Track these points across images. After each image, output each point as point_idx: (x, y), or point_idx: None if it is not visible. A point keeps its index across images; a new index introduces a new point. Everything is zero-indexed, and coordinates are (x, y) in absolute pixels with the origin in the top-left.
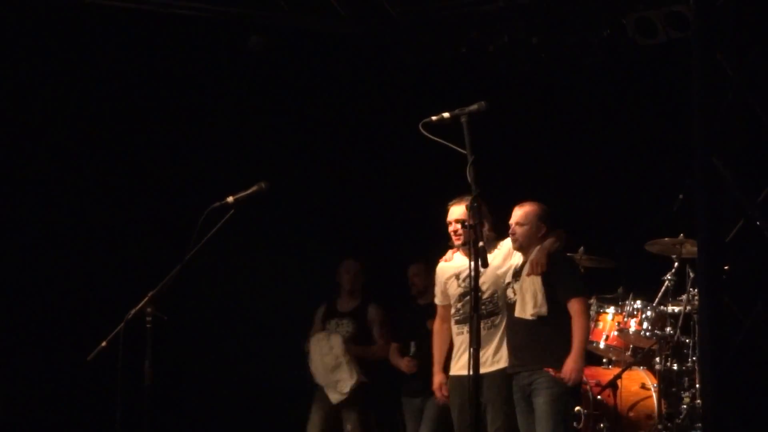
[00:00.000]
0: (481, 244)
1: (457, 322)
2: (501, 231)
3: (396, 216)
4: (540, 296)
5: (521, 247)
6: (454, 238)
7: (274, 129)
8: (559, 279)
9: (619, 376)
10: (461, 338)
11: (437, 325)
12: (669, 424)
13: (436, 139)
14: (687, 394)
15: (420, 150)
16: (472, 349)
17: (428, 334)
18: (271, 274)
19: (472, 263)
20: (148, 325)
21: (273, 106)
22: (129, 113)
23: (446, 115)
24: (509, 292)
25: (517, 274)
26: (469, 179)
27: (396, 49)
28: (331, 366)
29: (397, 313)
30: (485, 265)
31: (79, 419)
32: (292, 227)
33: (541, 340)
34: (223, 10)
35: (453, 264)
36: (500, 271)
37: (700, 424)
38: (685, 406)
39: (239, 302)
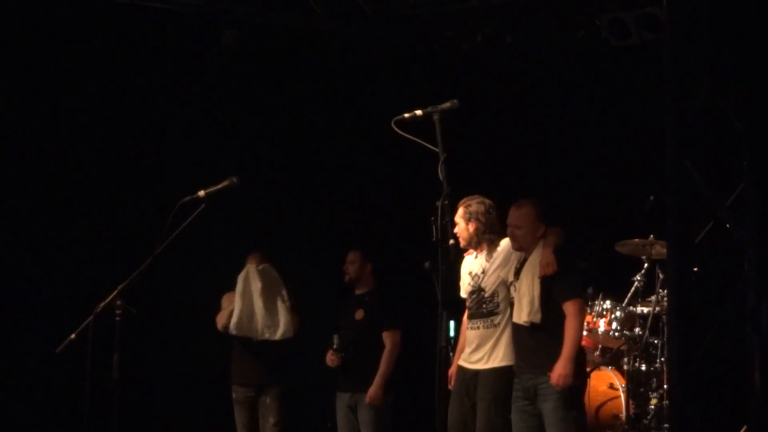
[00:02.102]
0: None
1: (468, 317)
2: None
3: (370, 212)
4: (536, 303)
5: (521, 248)
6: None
7: (246, 124)
8: (557, 279)
9: (587, 376)
10: (470, 333)
11: (465, 317)
12: (637, 425)
13: (408, 136)
14: (655, 394)
15: (392, 147)
16: (439, 347)
17: (356, 327)
18: (240, 268)
19: (441, 263)
20: (117, 318)
21: (245, 101)
22: (100, 106)
23: (419, 112)
24: (512, 290)
25: (517, 272)
26: (440, 177)
27: (370, 47)
28: (269, 300)
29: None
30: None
31: (48, 411)
32: (263, 222)
33: (539, 345)
34: (198, 5)
35: (469, 261)
36: (503, 272)
37: (667, 425)
38: (652, 407)
39: (209, 296)
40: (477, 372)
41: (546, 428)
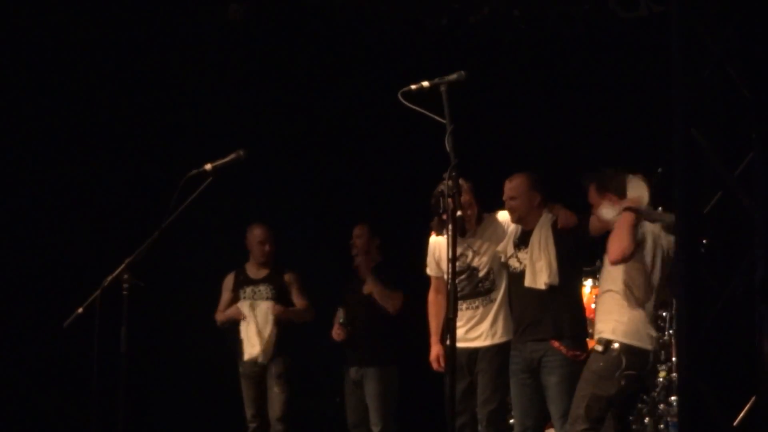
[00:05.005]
0: (459, 213)
1: (460, 298)
2: (484, 204)
3: (377, 185)
4: (554, 265)
5: (520, 218)
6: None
7: (252, 98)
8: (577, 231)
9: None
10: (465, 312)
11: (431, 296)
12: (645, 397)
13: (415, 107)
14: (663, 367)
15: (399, 118)
16: (448, 318)
17: (364, 301)
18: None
19: (450, 233)
20: (124, 292)
21: (251, 74)
22: (109, 80)
23: (426, 84)
24: (512, 262)
25: (521, 242)
26: (447, 148)
27: (377, 19)
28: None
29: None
30: (463, 234)
31: (55, 385)
32: (271, 196)
33: (552, 310)
34: None
35: (442, 241)
36: (496, 247)
37: (675, 398)
38: (661, 380)
39: (216, 269)
40: (476, 349)
41: (549, 402)
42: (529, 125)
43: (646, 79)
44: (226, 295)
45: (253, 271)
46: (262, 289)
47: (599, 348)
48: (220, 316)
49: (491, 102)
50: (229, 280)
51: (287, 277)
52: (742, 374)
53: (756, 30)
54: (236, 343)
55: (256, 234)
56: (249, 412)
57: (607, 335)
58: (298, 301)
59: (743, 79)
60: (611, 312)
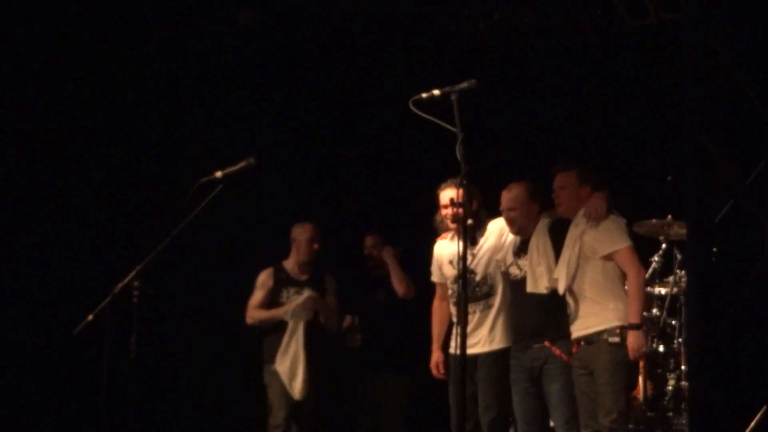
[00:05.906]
0: (470, 222)
1: (455, 304)
2: (491, 210)
3: (388, 194)
4: (554, 268)
5: (520, 230)
6: (450, 220)
7: (263, 105)
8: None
9: None
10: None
11: (436, 303)
12: (654, 405)
13: (425, 116)
14: (672, 375)
15: (409, 127)
16: (458, 328)
17: (378, 307)
18: (259, 249)
19: (460, 242)
20: (134, 299)
21: (262, 82)
22: (118, 86)
23: (436, 92)
24: (513, 270)
25: (520, 250)
26: (458, 157)
27: (386, 26)
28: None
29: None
30: (474, 243)
31: (65, 392)
32: (281, 201)
33: (555, 314)
34: None
35: (449, 247)
36: (495, 254)
37: (684, 406)
38: (670, 388)
39: (226, 277)
40: (476, 356)
41: (551, 409)
42: (537, 132)
43: (656, 86)
44: (261, 292)
45: (294, 271)
46: (306, 292)
47: (617, 339)
48: (261, 314)
49: (501, 108)
50: (266, 278)
51: (328, 280)
52: (753, 383)
53: (766, 38)
54: (264, 346)
55: (306, 229)
56: (280, 415)
57: (618, 322)
58: (332, 303)
59: (754, 88)
60: (604, 302)
